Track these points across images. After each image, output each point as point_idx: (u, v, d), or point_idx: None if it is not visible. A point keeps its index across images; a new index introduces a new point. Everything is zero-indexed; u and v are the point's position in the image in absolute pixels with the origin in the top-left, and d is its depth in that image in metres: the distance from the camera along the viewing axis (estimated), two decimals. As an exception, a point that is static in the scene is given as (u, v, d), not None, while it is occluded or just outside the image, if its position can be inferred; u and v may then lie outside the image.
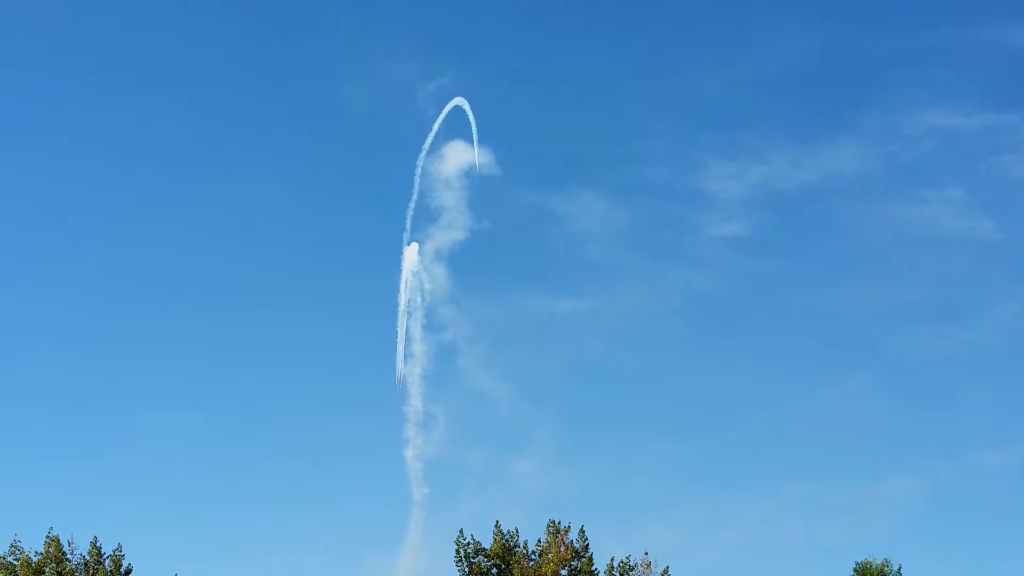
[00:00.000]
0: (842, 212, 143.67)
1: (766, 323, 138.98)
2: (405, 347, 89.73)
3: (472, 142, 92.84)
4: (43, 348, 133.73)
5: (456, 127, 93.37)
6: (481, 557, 67.18)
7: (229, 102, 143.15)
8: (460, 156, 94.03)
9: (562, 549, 66.22)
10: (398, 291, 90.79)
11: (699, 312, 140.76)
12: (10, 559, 65.07)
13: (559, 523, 67.51)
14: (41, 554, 65.30)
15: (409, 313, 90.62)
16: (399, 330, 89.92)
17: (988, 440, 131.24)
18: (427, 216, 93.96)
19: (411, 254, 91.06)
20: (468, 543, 67.26)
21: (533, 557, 66.97)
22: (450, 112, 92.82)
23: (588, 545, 67.05)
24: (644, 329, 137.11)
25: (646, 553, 67.21)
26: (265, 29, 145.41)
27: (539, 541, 67.46)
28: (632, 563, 66.70)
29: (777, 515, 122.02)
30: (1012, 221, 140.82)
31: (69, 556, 65.71)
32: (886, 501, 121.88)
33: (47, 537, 65.89)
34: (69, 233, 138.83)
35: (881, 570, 75.04)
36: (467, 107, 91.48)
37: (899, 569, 75.34)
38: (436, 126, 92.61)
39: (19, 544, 65.59)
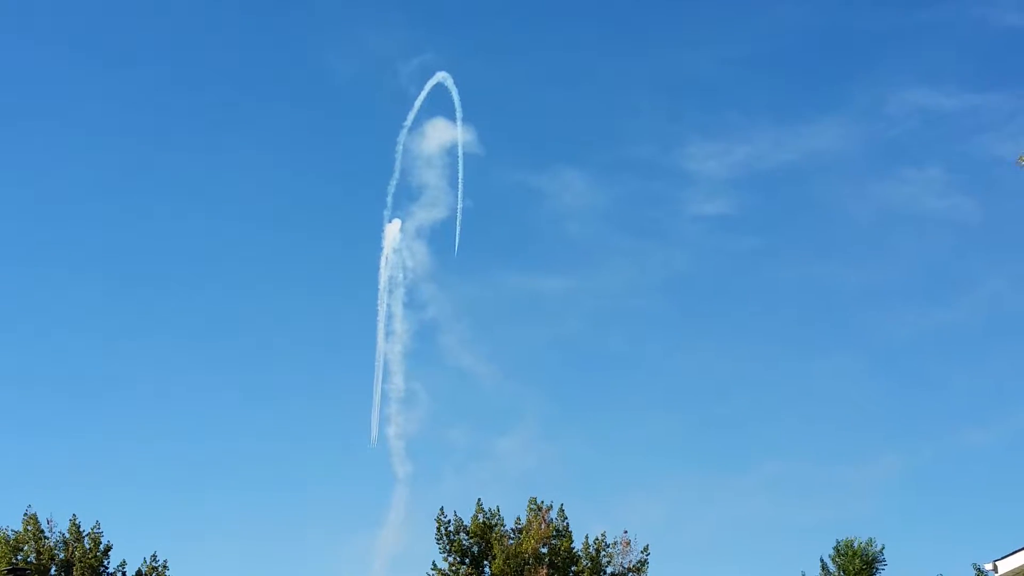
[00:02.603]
0: (824, 191, 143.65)
1: (748, 302, 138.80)
2: (386, 325, 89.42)
3: (454, 119, 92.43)
4: (22, 326, 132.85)
5: (438, 105, 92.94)
6: (462, 535, 66.92)
7: (208, 76, 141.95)
8: (442, 133, 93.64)
9: (543, 527, 66.04)
10: (378, 269, 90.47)
11: (681, 290, 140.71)
12: (-13, 537, 64.71)
13: (540, 501, 67.45)
14: (19, 532, 64.93)
15: (390, 291, 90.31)
16: (380, 308, 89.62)
17: (971, 419, 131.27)
18: (408, 194, 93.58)
19: (392, 231, 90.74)
20: (449, 521, 67.00)
21: (514, 535, 66.76)
22: (432, 90, 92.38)
23: (568, 524, 66.94)
24: (627, 307, 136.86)
25: (625, 532, 67.35)
26: (245, 2, 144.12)
27: (518, 519, 67.31)
28: (610, 540, 66.75)
29: (760, 493, 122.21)
30: (993, 201, 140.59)
31: (48, 534, 65.37)
32: (869, 480, 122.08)
33: (25, 515, 65.54)
34: (52, 209, 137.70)
35: (864, 549, 74.91)
36: (450, 82, 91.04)
37: (882, 548, 75.20)
38: (418, 103, 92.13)
39: (-5, 522, 65.31)
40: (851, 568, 74.16)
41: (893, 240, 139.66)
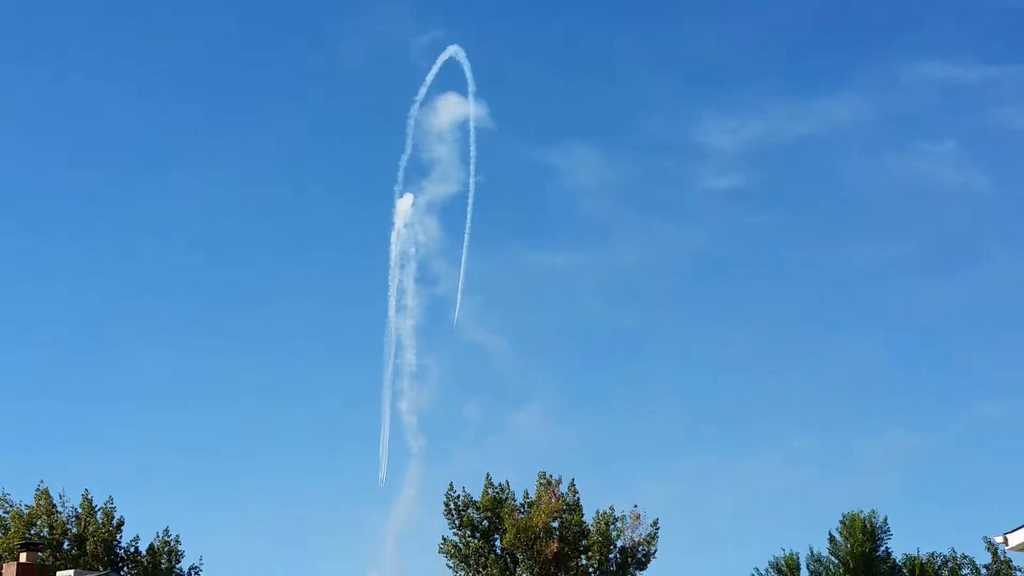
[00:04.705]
0: (839, 165, 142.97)
1: (763, 277, 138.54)
2: (397, 300, 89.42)
3: (466, 94, 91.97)
4: (32, 310, 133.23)
5: (450, 80, 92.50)
6: (472, 509, 67.29)
7: (215, 55, 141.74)
8: (454, 108, 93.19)
9: (553, 501, 66.41)
10: (390, 244, 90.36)
11: (695, 266, 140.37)
12: (0, 512, 65.05)
13: (550, 475, 67.83)
14: (31, 507, 65.29)
15: (401, 266, 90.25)
16: (391, 283, 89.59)
17: (985, 393, 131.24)
18: (420, 169, 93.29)
19: (404, 206, 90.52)
20: (458, 496, 67.37)
21: (524, 509, 67.13)
22: (443, 66, 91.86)
23: (579, 498, 67.32)
24: (640, 283, 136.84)
25: (635, 506, 67.73)
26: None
27: (526, 493, 67.70)
28: (620, 514, 67.12)
29: (777, 470, 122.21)
30: (1009, 174, 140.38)
31: (60, 508, 65.76)
32: (886, 456, 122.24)
33: (37, 490, 65.89)
34: (61, 188, 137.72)
35: (869, 521, 75.59)
36: (462, 56, 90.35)
37: (885, 520, 76.04)
38: (430, 77, 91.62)
39: (8, 497, 65.64)
40: (855, 540, 74.91)
41: (909, 214, 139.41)
